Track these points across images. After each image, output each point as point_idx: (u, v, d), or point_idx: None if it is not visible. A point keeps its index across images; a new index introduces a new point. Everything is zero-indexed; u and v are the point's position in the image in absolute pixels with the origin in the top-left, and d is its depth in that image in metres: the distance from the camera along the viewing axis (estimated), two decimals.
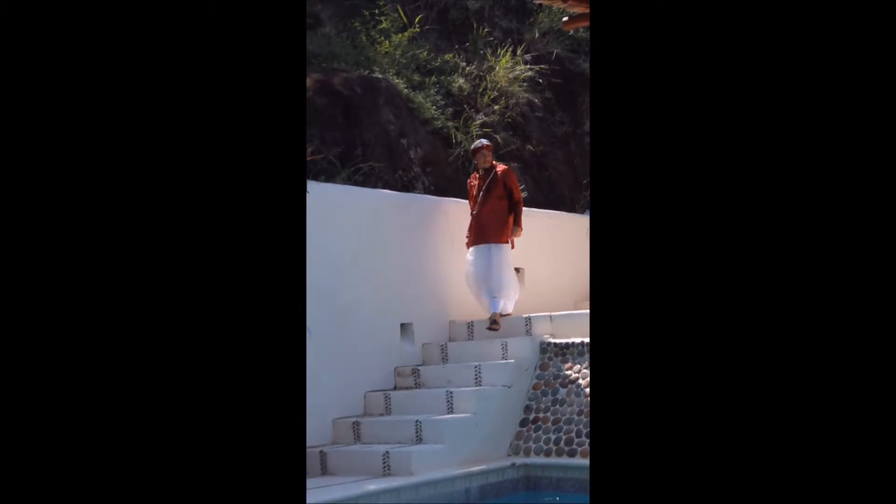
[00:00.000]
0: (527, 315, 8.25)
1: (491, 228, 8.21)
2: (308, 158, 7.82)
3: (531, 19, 12.66)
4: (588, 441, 6.80)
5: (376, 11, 11.52)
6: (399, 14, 11.66)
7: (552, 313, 8.15)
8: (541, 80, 12.00)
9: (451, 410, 7.33)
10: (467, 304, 8.35)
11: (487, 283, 8.16)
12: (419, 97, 10.87)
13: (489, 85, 11.52)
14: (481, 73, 11.65)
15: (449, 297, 8.41)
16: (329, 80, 10.28)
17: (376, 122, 10.26)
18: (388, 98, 10.50)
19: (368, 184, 9.30)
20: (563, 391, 7.38)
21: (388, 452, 6.81)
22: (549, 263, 9.40)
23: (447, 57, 11.75)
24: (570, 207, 11.13)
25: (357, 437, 7.43)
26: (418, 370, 7.95)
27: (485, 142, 8.64)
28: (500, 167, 8.47)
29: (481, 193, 8.30)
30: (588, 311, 7.18)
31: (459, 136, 10.91)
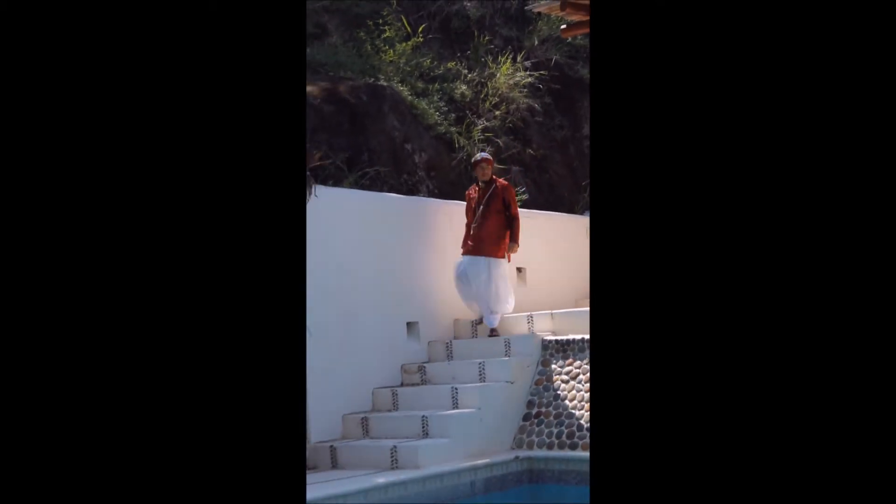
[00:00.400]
0: (528, 313, 8.24)
1: (489, 242, 8.05)
2: (316, 164, 7.81)
3: (530, 27, 12.65)
4: (588, 434, 6.78)
5: (381, 21, 11.53)
6: (403, 24, 11.66)
7: (553, 311, 8.14)
8: (540, 86, 12.00)
9: (456, 406, 7.32)
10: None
11: (486, 297, 8.02)
12: (423, 104, 10.87)
13: (490, 91, 11.52)
14: (483, 80, 11.65)
15: (453, 296, 8.38)
16: (336, 89, 10.28)
17: (382, 128, 10.25)
18: (393, 105, 10.50)
19: (374, 188, 9.30)
20: (564, 386, 7.37)
21: (395, 447, 6.81)
22: (550, 263, 9.39)
23: (450, 65, 11.76)
24: (570, 209, 11.12)
25: (366, 432, 7.42)
26: (424, 367, 7.94)
27: (485, 155, 8.45)
28: (501, 182, 8.31)
29: (481, 207, 8.14)
30: (588, 308, 7.17)
31: (462, 141, 10.90)
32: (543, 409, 7.34)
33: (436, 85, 11.39)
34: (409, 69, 11.27)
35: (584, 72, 12.39)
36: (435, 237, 8.35)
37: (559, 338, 7.67)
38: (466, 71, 11.74)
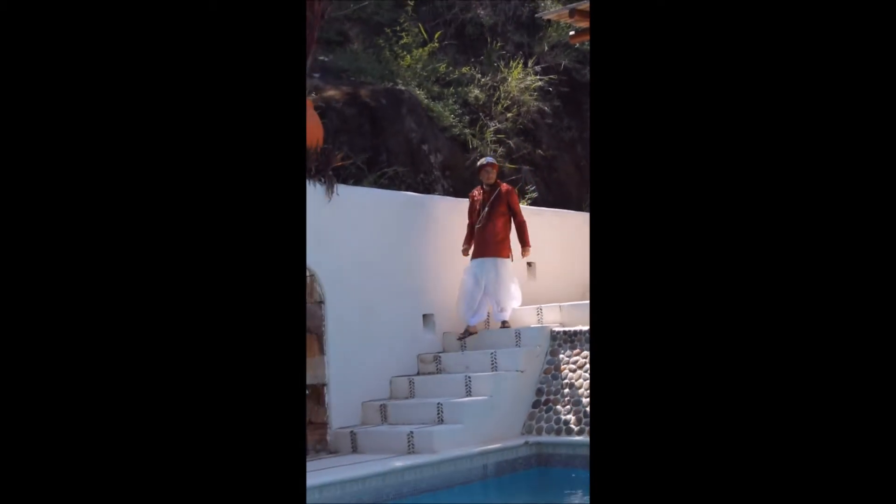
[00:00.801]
0: (538, 305, 8.25)
1: (493, 244, 7.98)
2: (337, 164, 7.83)
3: (540, 34, 12.64)
4: None
5: (399, 29, 11.56)
6: (420, 31, 11.68)
7: (561, 303, 8.13)
8: (550, 90, 11.99)
9: (469, 393, 7.33)
10: None
11: (496, 294, 7.99)
12: (438, 107, 10.89)
13: (502, 94, 11.52)
14: (495, 84, 11.65)
15: None
16: (356, 93, 10.32)
17: (400, 130, 10.29)
18: (411, 108, 10.53)
19: (393, 187, 9.33)
20: (571, 375, 7.37)
21: (412, 432, 6.82)
22: (558, 257, 9.36)
23: (464, 69, 11.76)
24: (577, 206, 11.11)
25: (384, 419, 7.44)
26: (439, 357, 7.95)
27: (490, 159, 8.33)
28: (505, 186, 8.22)
29: (485, 209, 8.05)
30: None
31: (475, 142, 10.92)
32: (552, 397, 7.36)
33: (451, 89, 11.40)
34: (425, 74, 11.29)
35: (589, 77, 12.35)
36: (450, 234, 8.37)
37: (567, 329, 7.68)
38: (480, 75, 11.75)
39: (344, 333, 7.44)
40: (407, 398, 7.66)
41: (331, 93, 10.18)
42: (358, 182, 8.95)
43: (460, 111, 11.11)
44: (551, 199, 11.20)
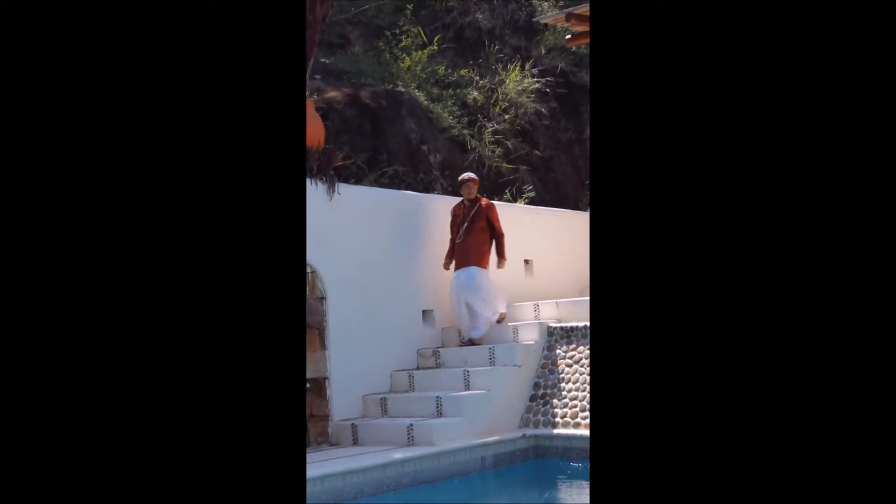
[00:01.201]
0: (535, 302, 8.22)
1: (474, 254, 7.91)
2: (339, 164, 7.78)
3: (538, 37, 12.61)
4: (589, 414, 6.76)
5: (399, 32, 11.51)
6: (419, 34, 11.64)
7: (558, 300, 8.11)
8: (547, 92, 11.97)
9: (468, 387, 7.31)
10: None
11: (475, 303, 7.85)
12: (438, 108, 10.86)
13: (500, 96, 11.49)
14: (493, 86, 11.62)
15: None
16: (357, 94, 10.28)
17: (400, 130, 10.24)
18: (410, 109, 10.48)
19: (393, 186, 9.31)
20: (567, 370, 7.34)
21: (412, 425, 6.81)
22: (555, 255, 9.36)
23: (463, 72, 11.73)
24: (574, 205, 11.10)
25: (384, 412, 7.41)
26: (438, 352, 7.91)
27: (471, 175, 8.23)
28: (485, 201, 8.09)
29: (465, 223, 7.97)
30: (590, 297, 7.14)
31: (474, 143, 10.88)
32: (548, 391, 7.32)
33: (450, 91, 11.38)
34: (425, 76, 11.26)
35: (588, 78, 12.33)
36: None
37: (563, 325, 7.64)
38: (478, 78, 11.72)
39: (345, 329, 7.40)
40: (407, 392, 7.63)
41: (332, 94, 10.12)
42: (359, 181, 8.91)
43: (459, 112, 11.08)
44: (548, 198, 11.17)
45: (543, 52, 12.41)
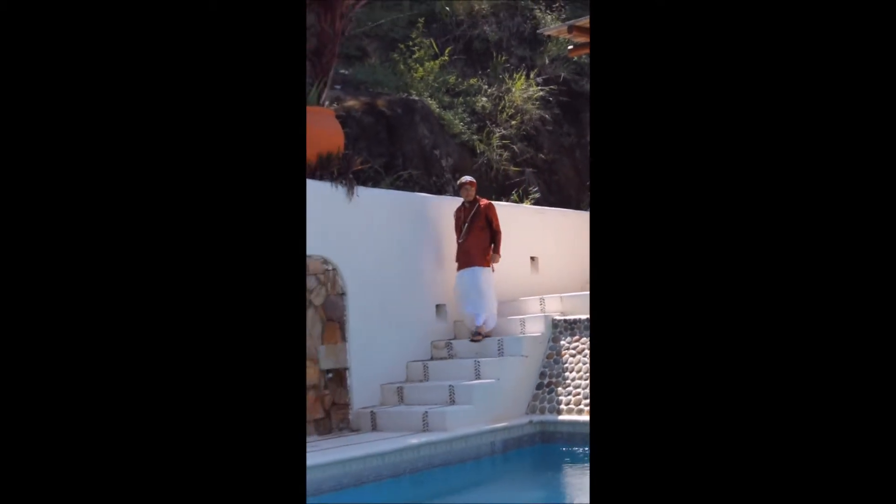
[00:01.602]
0: (540, 296, 8.24)
1: (474, 255, 7.85)
2: (357, 168, 7.83)
3: (542, 48, 12.63)
4: None
5: (412, 44, 11.56)
6: (431, 46, 11.68)
7: (562, 294, 8.12)
8: (550, 99, 11.98)
9: (478, 377, 7.34)
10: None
11: (472, 301, 7.84)
12: (449, 115, 10.89)
13: (507, 104, 11.51)
14: (500, 94, 11.64)
15: None
16: (374, 103, 10.33)
17: (413, 136, 10.29)
18: (423, 116, 10.53)
19: (408, 188, 9.34)
20: (571, 360, 7.36)
21: (426, 412, 6.82)
22: (559, 252, 9.36)
23: (472, 81, 11.76)
24: (576, 205, 11.11)
25: (401, 399, 7.44)
26: (451, 343, 7.93)
27: (469, 178, 8.15)
28: (484, 202, 8.03)
29: (466, 224, 7.94)
30: None
31: (483, 147, 10.92)
32: (554, 380, 7.35)
33: (460, 98, 11.40)
34: (436, 85, 11.29)
35: (588, 86, 12.36)
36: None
37: (567, 317, 7.67)
38: (486, 86, 11.74)
39: (364, 322, 7.44)
40: (421, 381, 7.65)
41: (351, 103, 10.18)
42: (376, 184, 8.95)
43: (468, 119, 11.11)
44: (552, 199, 11.20)
45: (547, 62, 12.42)
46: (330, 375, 7.20)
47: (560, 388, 7.26)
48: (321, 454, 5.87)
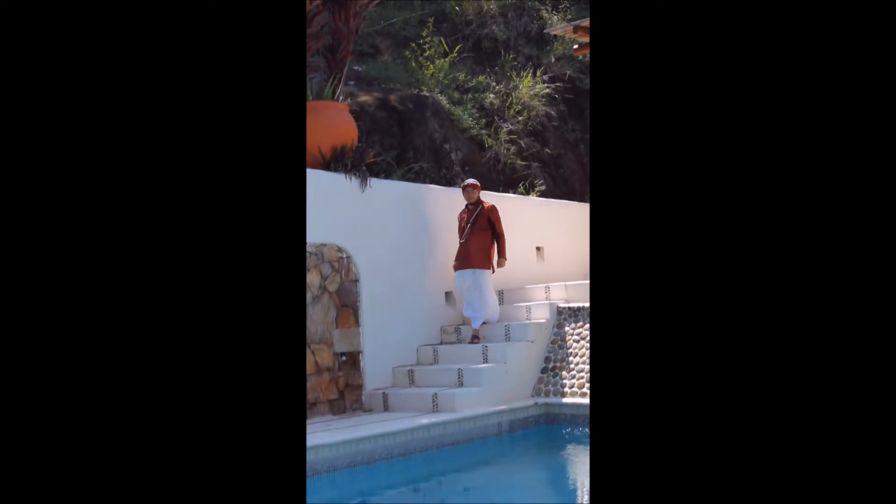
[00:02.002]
0: (546, 284, 8.23)
1: (475, 256, 7.69)
2: (370, 160, 7.83)
3: (548, 47, 12.59)
4: None
5: (423, 42, 11.53)
6: (442, 44, 11.65)
7: (566, 283, 8.09)
8: (556, 96, 11.94)
9: (486, 360, 7.34)
10: (499, 275, 8.29)
11: (472, 302, 7.74)
12: (458, 110, 10.87)
13: (514, 100, 11.48)
14: (508, 91, 11.61)
15: None
16: (386, 98, 10.32)
17: (424, 131, 10.28)
18: (434, 111, 10.51)
19: (419, 180, 9.34)
20: (575, 345, 7.37)
21: (436, 394, 6.84)
22: (564, 243, 9.37)
23: (480, 78, 11.73)
24: (581, 198, 11.09)
25: (412, 382, 7.45)
26: (459, 328, 7.94)
27: (472, 181, 7.94)
28: (487, 204, 7.84)
29: (468, 225, 7.78)
30: None
31: (490, 142, 10.89)
32: (558, 364, 7.35)
33: (469, 95, 11.38)
34: (446, 82, 11.27)
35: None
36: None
37: (571, 305, 7.66)
38: (494, 83, 11.71)
39: (376, 308, 7.45)
40: (431, 364, 7.66)
41: (364, 98, 10.17)
42: (388, 176, 8.95)
43: (477, 114, 11.09)
44: (557, 191, 11.17)
45: (553, 60, 12.38)
46: (344, 358, 7.22)
47: (564, 372, 7.25)
48: (335, 433, 5.88)
